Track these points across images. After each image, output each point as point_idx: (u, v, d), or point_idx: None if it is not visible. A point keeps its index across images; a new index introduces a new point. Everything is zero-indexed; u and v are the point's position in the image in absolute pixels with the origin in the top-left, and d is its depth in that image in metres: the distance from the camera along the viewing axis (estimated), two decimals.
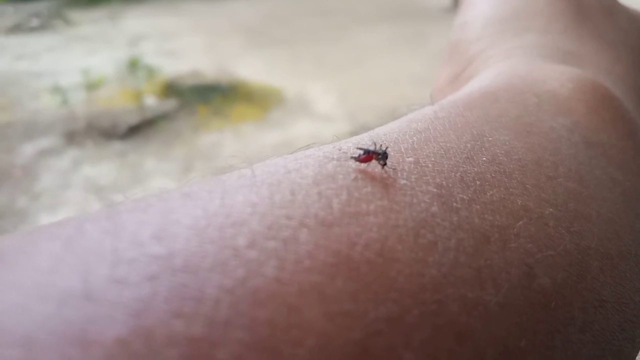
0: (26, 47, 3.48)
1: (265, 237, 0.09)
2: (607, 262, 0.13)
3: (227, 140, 2.06)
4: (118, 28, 3.95)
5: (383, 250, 0.10)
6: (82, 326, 0.08)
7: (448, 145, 0.13)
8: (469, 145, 0.13)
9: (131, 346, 0.07)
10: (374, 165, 0.12)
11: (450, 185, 0.12)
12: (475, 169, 0.13)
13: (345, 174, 0.11)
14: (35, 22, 4.13)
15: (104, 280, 0.08)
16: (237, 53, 3.19)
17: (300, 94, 2.46)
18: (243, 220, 0.10)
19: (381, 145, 0.13)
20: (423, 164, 0.12)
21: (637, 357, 0.14)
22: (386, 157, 0.12)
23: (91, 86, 2.48)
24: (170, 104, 2.42)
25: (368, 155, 0.12)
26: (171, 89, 2.59)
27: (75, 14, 4.34)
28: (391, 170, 0.12)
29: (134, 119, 2.23)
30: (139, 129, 2.17)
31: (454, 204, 0.11)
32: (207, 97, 2.48)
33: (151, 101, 2.44)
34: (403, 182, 0.12)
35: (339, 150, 0.13)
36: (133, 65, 2.67)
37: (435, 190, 0.12)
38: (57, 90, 2.41)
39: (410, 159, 0.12)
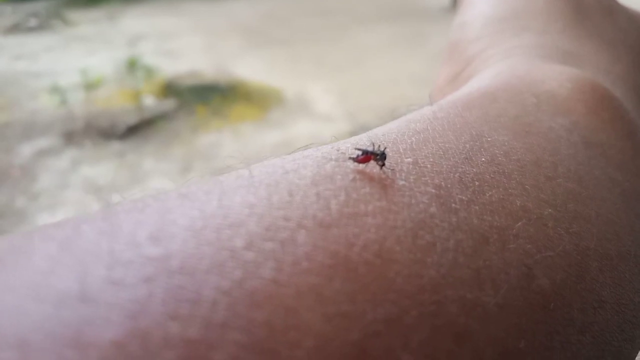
0: (25, 47, 3.47)
1: (262, 239, 0.09)
2: (607, 263, 0.13)
3: (226, 140, 2.06)
4: (117, 28, 3.95)
5: (381, 252, 0.10)
6: (78, 328, 0.07)
7: (447, 145, 0.13)
8: (467, 145, 0.13)
9: (127, 348, 0.07)
10: (372, 166, 0.12)
11: (449, 186, 0.12)
12: (474, 170, 0.13)
13: (343, 174, 0.11)
14: (33, 22, 4.13)
15: (101, 281, 0.08)
16: (236, 53, 3.19)
17: (299, 94, 2.46)
18: (240, 222, 0.09)
19: (379, 146, 0.13)
20: (422, 165, 0.12)
21: (636, 358, 0.14)
22: (384, 158, 0.12)
23: (90, 86, 2.48)
24: (169, 104, 2.42)
25: (366, 156, 0.12)
26: (170, 89, 2.59)
27: (74, 14, 4.34)
28: (389, 171, 0.12)
29: (132, 119, 2.23)
30: (138, 129, 2.17)
31: (453, 205, 0.11)
32: (206, 97, 2.48)
33: (150, 101, 2.44)
34: (401, 182, 0.12)
35: (337, 150, 0.13)
36: (132, 65, 2.67)
37: (433, 191, 0.12)
38: (55, 90, 2.40)
39: (409, 159, 0.12)
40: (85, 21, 4.17)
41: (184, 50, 3.26)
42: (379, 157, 0.12)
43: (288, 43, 3.36)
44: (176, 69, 2.82)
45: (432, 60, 2.58)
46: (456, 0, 0.29)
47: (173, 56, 3.12)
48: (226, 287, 0.08)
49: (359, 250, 0.10)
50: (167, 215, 0.10)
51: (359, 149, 0.13)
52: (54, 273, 0.08)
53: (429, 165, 0.12)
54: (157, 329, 0.08)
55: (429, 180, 0.12)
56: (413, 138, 0.13)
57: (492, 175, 0.13)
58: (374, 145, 0.13)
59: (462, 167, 0.13)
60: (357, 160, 0.12)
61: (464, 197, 0.12)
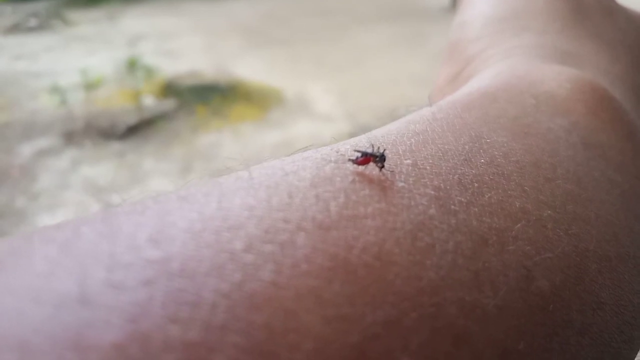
0: (25, 47, 3.47)
1: (262, 241, 0.09)
2: (606, 265, 0.13)
3: (226, 140, 2.06)
4: (117, 28, 3.95)
5: (380, 254, 0.10)
6: (78, 330, 0.07)
7: (446, 147, 0.13)
8: (467, 147, 0.13)
9: (127, 351, 0.07)
10: (371, 168, 0.12)
11: (448, 187, 0.12)
12: (474, 171, 0.13)
13: (342, 176, 0.11)
14: (33, 22, 4.13)
15: (101, 284, 0.08)
16: (236, 53, 3.18)
17: (299, 94, 2.46)
18: (240, 224, 0.09)
19: (379, 148, 0.13)
20: (421, 166, 0.12)
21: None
22: (384, 160, 0.12)
23: (90, 86, 2.48)
24: (169, 104, 2.42)
25: (366, 158, 0.12)
26: (170, 89, 2.59)
27: (74, 14, 4.34)
28: (389, 172, 0.12)
29: (132, 119, 2.23)
30: (138, 129, 2.17)
31: (452, 207, 0.11)
32: (206, 97, 2.48)
33: (150, 101, 2.44)
34: (401, 184, 0.12)
35: (337, 152, 0.13)
36: (132, 65, 2.67)
37: (433, 192, 0.12)
38: (55, 90, 2.40)
39: (408, 161, 0.12)
40: (85, 21, 4.17)
41: (184, 50, 3.26)
42: (378, 158, 0.12)
43: (288, 43, 3.36)
44: (176, 69, 2.82)
45: (432, 60, 2.58)
46: (456, 0, 0.29)
47: (173, 56, 3.12)
48: (226, 290, 0.08)
49: (358, 252, 0.10)
50: (166, 218, 0.10)
51: (358, 151, 0.13)
52: (54, 275, 0.08)
53: (428, 167, 0.12)
54: (157, 331, 0.08)
55: (428, 182, 0.12)
56: (412, 139, 0.13)
57: (491, 177, 0.13)
58: (373, 147, 0.13)
59: (461, 169, 0.13)
60: (356, 162, 0.12)
61: (463, 199, 0.12)
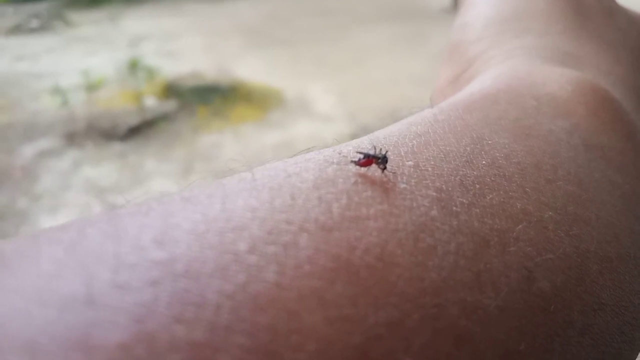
0: (26, 48, 3.48)
1: (265, 242, 0.09)
2: (607, 265, 0.13)
3: (227, 141, 2.06)
4: (118, 29, 3.95)
5: (383, 255, 0.10)
6: (84, 331, 0.08)
7: (448, 148, 0.13)
8: (468, 148, 0.14)
9: (133, 351, 0.07)
10: (374, 169, 0.12)
11: (449, 189, 0.12)
12: (475, 173, 0.13)
13: (345, 178, 0.11)
14: (35, 23, 4.13)
15: (106, 285, 0.08)
16: (237, 53, 3.19)
17: (300, 94, 2.46)
18: (243, 225, 0.10)
19: (381, 149, 0.13)
20: (423, 168, 0.12)
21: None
22: (386, 161, 0.12)
23: (91, 87, 2.48)
24: (171, 105, 2.42)
25: (368, 159, 0.12)
26: (171, 90, 2.59)
27: (75, 15, 4.34)
28: (391, 174, 0.12)
29: (134, 120, 2.23)
30: (139, 130, 2.17)
31: (454, 208, 0.11)
32: (207, 98, 2.48)
33: (151, 102, 2.44)
34: (403, 186, 0.12)
35: (339, 154, 0.13)
36: (133, 66, 2.67)
37: (435, 194, 0.12)
38: (57, 91, 2.41)
39: (410, 162, 0.13)
40: (87, 22, 4.18)
41: (185, 51, 3.26)
42: (381, 160, 0.12)
43: (288, 43, 3.36)
44: (177, 70, 2.82)
45: (433, 61, 2.57)
46: (457, 1, 0.29)
47: (174, 57, 3.12)
48: (230, 291, 0.08)
49: (361, 253, 0.10)
50: (170, 219, 0.10)
51: (360, 152, 0.13)
52: (60, 276, 0.08)
53: (430, 169, 0.12)
54: (162, 332, 0.08)
55: (430, 184, 0.12)
56: (414, 141, 0.13)
57: (492, 178, 0.13)
58: (375, 149, 0.13)
59: (463, 170, 0.13)
60: (358, 163, 0.12)
61: (464, 200, 0.12)
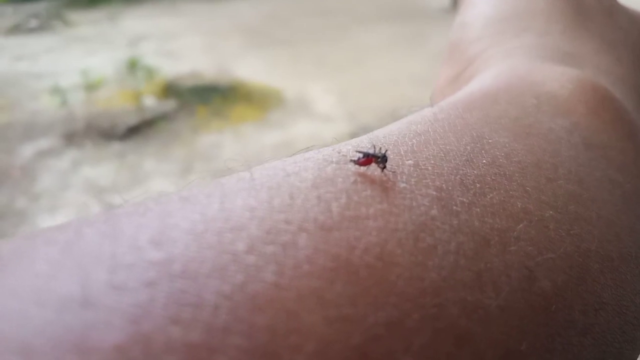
0: (25, 48, 3.48)
1: (264, 242, 0.09)
2: (608, 265, 0.13)
3: (227, 141, 2.06)
4: (117, 29, 3.95)
5: (382, 254, 0.10)
6: (80, 332, 0.07)
7: (448, 147, 0.13)
8: (468, 147, 0.13)
9: (129, 353, 0.07)
10: (373, 169, 0.12)
11: (450, 188, 0.12)
12: (475, 172, 0.13)
13: (344, 177, 0.11)
14: (34, 22, 4.13)
15: (103, 285, 0.08)
16: (236, 53, 3.19)
17: (300, 94, 2.46)
18: (242, 225, 0.09)
19: (380, 148, 0.13)
20: (422, 167, 0.12)
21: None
22: (385, 160, 0.12)
23: (90, 87, 2.48)
24: (170, 104, 2.42)
25: (367, 159, 0.12)
26: (170, 90, 2.59)
27: (75, 15, 4.34)
28: (391, 173, 0.12)
29: (133, 120, 2.23)
30: (138, 130, 2.17)
31: (454, 207, 0.11)
32: (206, 98, 2.48)
33: (150, 102, 2.44)
34: (402, 185, 0.12)
35: (338, 153, 0.13)
36: (132, 65, 2.67)
37: (435, 193, 0.12)
38: (56, 91, 2.40)
39: (410, 161, 0.12)
40: (86, 22, 4.18)
41: (185, 51, 3.26)
42: (380, 159, 0.12)
43: (288, 43, 3.36)
44: (177, 70, 2.82)
45: (432, 61, 2.58)
46: (456, 1, 0.29)
47: (174, 57, 3.12)
48: (228, 291, 0.08)
49: (360, 253, 0.10)
50: (168, 219, 0.10)
51: (359, 152, 0.13)
52: (56, 277, 0.08)
53: (430, 168, 0.12)
54: (159, 333, 0.08)
55: (430, 183, 0.12)
56: (414, 140, 0.13)
57: (493, 177, 0.13)
58: (374, 148, 0.13)
59: (463, 169, 0.13)
60: (358, 162, 0.12)
61: (465, 200, 0.12)
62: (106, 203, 1.65)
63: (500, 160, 0.13)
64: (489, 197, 0.12)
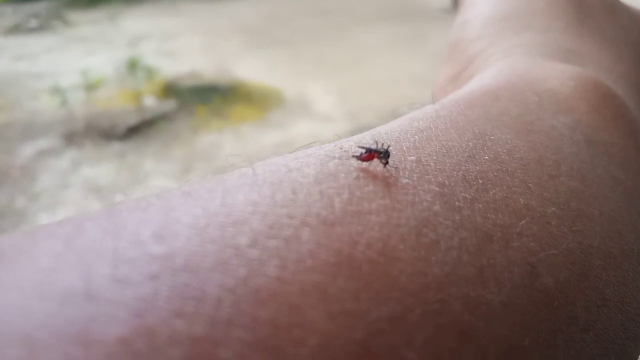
0: (25, 48, 3.48)
1: (266, 236, 0.09)
2: (610, 261, 0.13)
3: (227, 140, 2.06)
4: (117, 29, 3.95)
5: (385, 249, 0.10)
6: (83, 325, 0.07)
7: (450, 143, 0.13)
8: (470, 143, 0.13)
9: (133, 345, 0.07)
10: (375, 164, 0.12)
11: (452, 184, 0.12)
12: (478, 168, 0.13)
13: (346, 172, 0.11)
14: (34, 22, 4.13)
15: (105, 279, 0.08)
16: (236, 53, 3.19)
17: (300, 94, 2.46)
18: (244, 219, 0.09)
19: (383, 144, 0.13)
20: (425, 163, 0.12)
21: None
22: (388, 156, 0.12)
23: (90, 87, 2.48)
24: (170, 104, 2.42)
25: (370, 154, 0.12)
26: (170, 90, 2.59)
27: (74, 15, 4.34)
28: (393, 169, 0.12)
29: (133, 120, 2.23)
30: (138, 130, 2.17)
31: (457, 203, 0.11)
32: (206, 98, 2.48)
33: (150, 102, 2.44)
34: (405, 180, 0.12)
35: (341, 148, 0.13)
36: (132, 65, 2.67)
37: (437, 189, 0.12)
38: (56, 90, 2.40)
39: (412, 157, 0.12)
40: (86, 22, 4.18)
41: (185, 51, 3.26)
42: (383, 155, 0.12)
43: (288, 43, 3.36)
44: (177, 70, 2.82)
45: (433, 61, 2.58)
46: (457, 1, 0.29)
47: (173, 57, 3.12)
48: (231, 285, 0.08)
49: (363, 248, 0.10)
50: (170, 214, 0.10)
51: (362, 147, 0.13)
52: (59, 271, 0.08)
53: (432, 164, 0.12)
54: (162, 326, 0.08)
55: (432, 179, 0.12)
56: (416, 136, 0.13)
57: (495, 174, 0.13)
58: (377, 144, 0.13)
59: (465, 165, 0.13)
60: (360, 158, 0.12)
61: (467, 195, 0.12)
62: (106, 203, 1.65)
63: (503, 156, 0.13)
64: (491, 193, 0.12)
